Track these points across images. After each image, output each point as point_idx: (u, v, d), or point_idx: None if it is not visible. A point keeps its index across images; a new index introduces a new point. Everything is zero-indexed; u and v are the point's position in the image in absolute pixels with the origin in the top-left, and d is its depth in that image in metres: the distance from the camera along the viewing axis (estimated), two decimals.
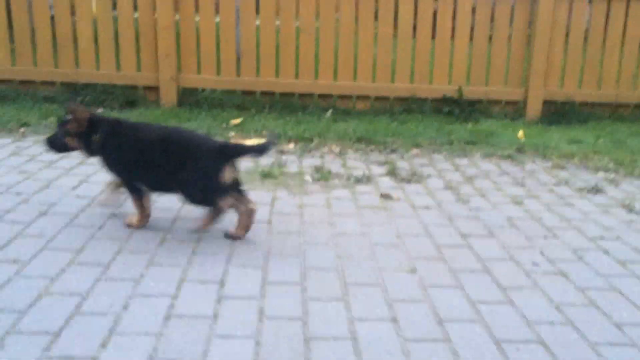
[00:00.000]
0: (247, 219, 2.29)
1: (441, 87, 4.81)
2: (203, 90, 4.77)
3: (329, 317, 1.79)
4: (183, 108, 4.59)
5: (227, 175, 2.21)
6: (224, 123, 4.20)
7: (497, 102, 4.90)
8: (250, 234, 2.33)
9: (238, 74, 4.76)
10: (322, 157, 3.55)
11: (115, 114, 4.21)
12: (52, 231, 2.30)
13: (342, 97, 4.84)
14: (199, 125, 4.05)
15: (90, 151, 2.37)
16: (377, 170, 3.33)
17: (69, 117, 2.33)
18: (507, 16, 4.81)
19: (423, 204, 2.81)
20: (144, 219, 2.38)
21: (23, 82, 4.65)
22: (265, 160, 3.41)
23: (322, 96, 4.83)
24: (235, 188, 2.29)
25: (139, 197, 2.36)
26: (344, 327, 1.75)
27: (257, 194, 2.82)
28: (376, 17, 4.75)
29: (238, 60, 4.76)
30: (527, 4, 4.79)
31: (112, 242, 2.23)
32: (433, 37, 4.80)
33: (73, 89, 4.65)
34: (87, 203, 2.61)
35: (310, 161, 3.44)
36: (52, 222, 2.38)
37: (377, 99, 4.85)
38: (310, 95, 4.82)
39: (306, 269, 2.10)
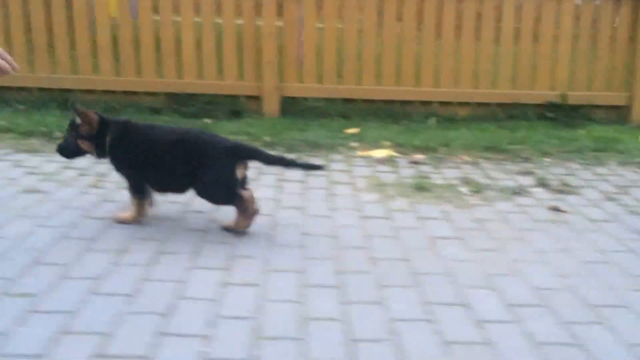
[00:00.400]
0: (250, 217, 2.38)
1: (543, 93, 4.76)
2: (305, 99, 4.75)
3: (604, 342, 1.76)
4: (287, 118, 4.57)
5: (239, 173, 2.33)
6: (338, 132, 4.17)
7: (599, 107, 4.84)
8: (451, 256, 2.31)
9: (339, 82, 4.74)
10: (458, 167, 3.52)
11: (222, 125, 4.21)
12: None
13: (443, 103, 4.80)
14: (315, 135, 4.03)
15: (102, 153, 2.41)
16: (523, 180, 3.29)
17: (79, 120, 2.35)
18: (609, 19, 4.75)
19: (599, 217, 2.77)
20: (138, 219, 2.43)
21: (127, 93, 4.65)
22: (405, 171, 3.39)
23: (423, 103, 4.79)
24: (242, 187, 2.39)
25: (142, 199, 2.43)
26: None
27: (422, 208, 2.80)
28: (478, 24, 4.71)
29: (339, 67, 4.74)
30: (629, 4, 4.72)
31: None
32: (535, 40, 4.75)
33: (176, 99, 4.65)
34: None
35: (450, 172, 3.41)
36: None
37: (478, 105, 4.81)
38: (411, 102, 4.79)
39: (534, 288, 2.07)
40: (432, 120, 4.64)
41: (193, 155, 2.31)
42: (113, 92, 4.62)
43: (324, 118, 4.58)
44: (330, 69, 4.71)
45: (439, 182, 3.22)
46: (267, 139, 3.94)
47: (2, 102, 4.41)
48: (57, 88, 4.51)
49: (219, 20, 4.61)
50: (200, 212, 2.62)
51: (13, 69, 1.92)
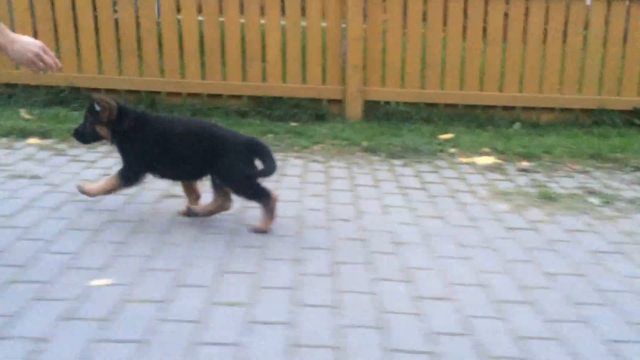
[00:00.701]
0: (272, 213, 2.43)
1: (631, 99, 4.72)
2: (387, 103, 4.71)
3: None
4: (371, 122, 4.54)
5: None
6: (431, 138, 4.14)
7: None
8: (625, 272, 2.28)
9: (422, 86, 4.70)
10: (571, 176, 3.48)
11: (313, 129, 4.18)
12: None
13: (526, 108, 4.76)
14: (410, 141, 4.00)
15: (117, 139, 2.47)
16: None
17: (99, 107, 2.39)
18: None
19: None
20: (99, 194, 2.52)
21: (212, 96, 4.62)
22: (520, 179, 3.35)
23: (505, 108, 4.75)
24: None
25: (124, 187, 2.51)
26: None
27: (563, 219, 2.77)
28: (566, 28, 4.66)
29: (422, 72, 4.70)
30: None
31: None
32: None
33: (260, 103, 4.62)
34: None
35: (566, 181, 3.37)
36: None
37: (562, 110, 4.77)
38: (493, 107, 4.75)
39: None
40: (517, 126, 4.60)
41: (211, 146, 2.40)
42: (198, 95, 4.59)
43: (408, 122, 4.54)
44: (413, 73, 4.67)
45: (561, 191, 3.18)
46: (365, 143, 3.91)
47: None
48: (144, 90, 4.48)
49: (304, 24, 4.58)
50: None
51: (57, 66, 1.99)
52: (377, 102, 4.72)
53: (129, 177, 2.49)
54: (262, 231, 2.43)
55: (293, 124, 4.40)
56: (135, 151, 2.47)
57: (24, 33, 2.42)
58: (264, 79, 4.63)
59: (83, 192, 2.54)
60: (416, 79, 4.68)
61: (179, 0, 4.46)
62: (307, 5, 4.52)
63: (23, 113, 4.11)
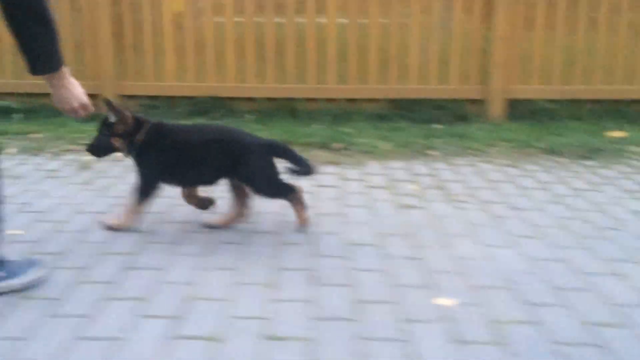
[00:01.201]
0: (302, 205, 2.40)
1: None
2: (530, 101, 4.47)
3: None
4: (517, 121, 4.30)
5: None
6: (598, 135, 3.90)
7: None
8: None
9: (566, 82, 4.46)
10: None
11: (463, 130, 3.96)
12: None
13: None
14: (582, 139, 3.77)
15: (133, 150, 2.35)
16: None
17: (113, 119, 2.29)
18: None
19: None
20: (129, 222, 2.36)
21: (350, 101, 4.40)
22: None
23: None
24: None
25: (143, 203, 2.36)
26: None
27: None
28: None
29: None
30: None
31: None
32: None
33: (399, 105, 4.40)
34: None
35: None
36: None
37: None
38: (637, 101, 4.50)
39: None
40: None
41: (233, 151, 2.32)
42: (335, 100, 4.37)
43: (555, 121, 4.30)
44: (556, 69, 4.43)
45: None
46: (541, 144, 3.69)
47: (233, 112, 4.18)
48: (283, 97, 4.27)
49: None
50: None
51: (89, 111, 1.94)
52: (518, 101, 4.49)
53: (147, 190, 2.36)
54: (305, 226, 2.40)
55: (436, 126, 4.18)
56: (154, 161, 2.35)
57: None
58: (404, 81, 4.40)
59: (111, 228, 2.36)
60: (560, 75, 4.45)
61: (321, 4, 4.24)
62: (452, 5, 4.30)
63: None
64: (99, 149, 2.39)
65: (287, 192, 2.38)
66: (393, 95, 4.40)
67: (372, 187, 2.97)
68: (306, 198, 2.44)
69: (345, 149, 3.60)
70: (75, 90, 1.88)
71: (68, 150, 3.51)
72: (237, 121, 4.02)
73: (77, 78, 1.90)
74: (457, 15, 4.33)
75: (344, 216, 2.56)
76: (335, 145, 3.64)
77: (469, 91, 4.44)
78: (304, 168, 2.38)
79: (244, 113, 4.19)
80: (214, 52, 4.26)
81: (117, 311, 1.79)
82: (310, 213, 2.44)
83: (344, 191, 2.89)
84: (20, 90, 4.19)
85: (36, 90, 3.90)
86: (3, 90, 4.25)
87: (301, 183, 2.44)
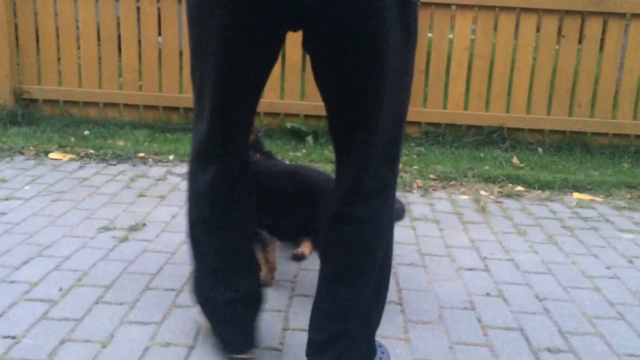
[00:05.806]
0: None
1: None
2: None
3: None
4: None
5: None
6: None
7: None
8: None
9: None
10: None
11: None
12: None
13: None
14: None
15: None
16: None
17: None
18: None
19: None
20: (269, 273, 2.06)
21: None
22: None
23: None
24: None
25: (262, 248, 2.01)
26: None
27: None
28: None
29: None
30: None
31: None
32: None
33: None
34: None
35: None
36: None
37: None
38: None
39: None
40: None
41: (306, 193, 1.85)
42: (626, 135, 4.09)
43: None
44: None
45: None
46: None
47: (518, 143, 4.11)
48: (573, 131, 4.10)
49: None
50: None
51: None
52: None
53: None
54: None
55: None
56: None
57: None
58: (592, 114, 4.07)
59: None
60: None
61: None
62: None
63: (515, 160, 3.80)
64: None
65: None
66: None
67: None
68: None
69: None
70: None
71: None
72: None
73: None
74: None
75: None
76: None
77: None
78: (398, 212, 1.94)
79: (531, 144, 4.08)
80: (484, 83, 4.11)
81: None
82: None
83: None
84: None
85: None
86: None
87: None
